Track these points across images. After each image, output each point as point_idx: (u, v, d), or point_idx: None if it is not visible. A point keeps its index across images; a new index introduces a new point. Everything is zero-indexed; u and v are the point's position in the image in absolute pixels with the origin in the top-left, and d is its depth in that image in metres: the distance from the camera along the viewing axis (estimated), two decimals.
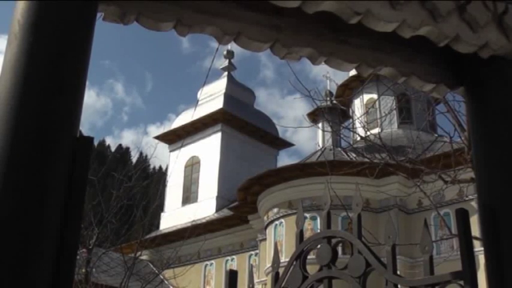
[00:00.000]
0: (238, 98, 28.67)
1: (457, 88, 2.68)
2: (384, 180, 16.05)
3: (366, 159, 10.12)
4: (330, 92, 20.32)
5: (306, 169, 17.66)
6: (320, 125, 18.25)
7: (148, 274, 16.07)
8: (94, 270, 13.83)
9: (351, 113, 18.83)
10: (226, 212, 23.47)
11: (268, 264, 16.98)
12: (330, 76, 21.50)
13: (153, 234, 21.90)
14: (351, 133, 12.10)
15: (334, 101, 19.03)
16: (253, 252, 22.02)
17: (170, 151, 28.58)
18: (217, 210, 24.79)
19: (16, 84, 1.80)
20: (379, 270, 2.11)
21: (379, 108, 18.26)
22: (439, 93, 2.76)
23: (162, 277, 18.53)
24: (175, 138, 28.09)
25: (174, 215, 26.04)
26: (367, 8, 2.22)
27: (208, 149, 26.71)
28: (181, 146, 24.80)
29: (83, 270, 12.87)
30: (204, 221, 23.07)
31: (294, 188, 18.17)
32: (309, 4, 2.20)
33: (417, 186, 8.17)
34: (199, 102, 26.99)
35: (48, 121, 1.78)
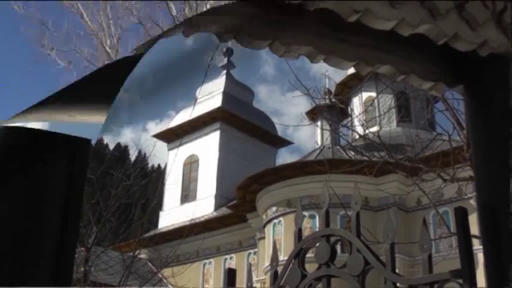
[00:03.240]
0: (237, 96, 28.64)
1: (456, 86, 2.68)
2: (383, 179, 16.04)
3: (365, 158, 10.11)
4: (329, 90, 20.30)
5: (304, 167, 17.65)
6: (319, 123, 18.24)
7: (147, 273, 16.06)
8: (93, 269, 13.80)
9: (349, 111, 18.81)
10: (225, 211, 23.46)
11: (267, 263, 16.97)
12: (328, 74, 21.51)
13: (151, 232, 21.87)
14: (350, 131, 12.10)
15: (333, 99, 19.03)
16: (252, 251, 22.03)
17: (169, 149, 28.53)
18: (216, 209, 24.78)
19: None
20: (378, 268, 2.11)
21: (377, 107, 18.28)
22: (438, 91, 2.76)
23: (160, 276, 18.52)
24: (173, 136, 28.03)
25: (173, 214, 26.01)
26: (366, 7, 2.22)
27: (207, 148, 26.69)
28: (180, 145, 24.78)
29: (82, 269, 12.85)
30: (202, 219, 23.06)
31: (292, 186, 18.16)
32: (309, 2, 2.20)
33: (416, 184, 8.17)
34: (198, 101, 26.98)
35: None
